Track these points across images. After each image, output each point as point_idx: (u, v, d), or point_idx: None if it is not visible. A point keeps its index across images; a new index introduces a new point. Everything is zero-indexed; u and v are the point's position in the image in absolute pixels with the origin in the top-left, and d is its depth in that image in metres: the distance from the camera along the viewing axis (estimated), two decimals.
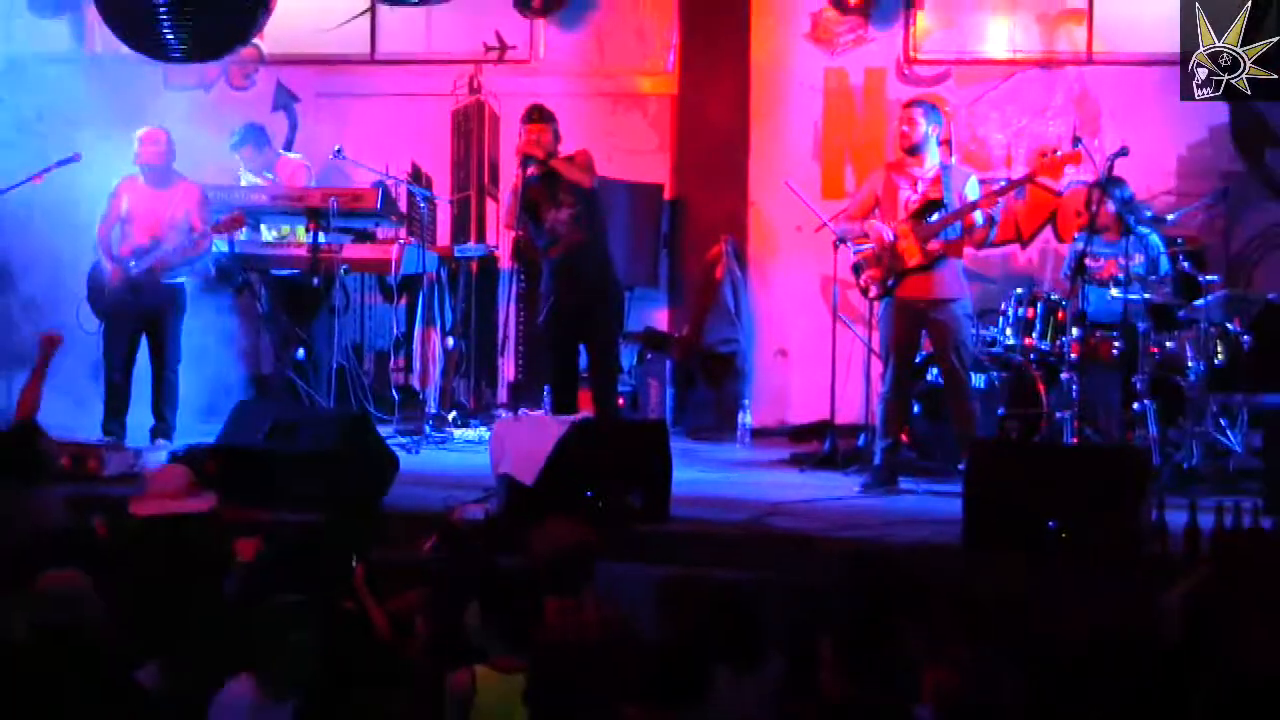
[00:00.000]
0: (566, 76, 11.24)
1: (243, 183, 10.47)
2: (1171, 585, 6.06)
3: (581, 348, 9.00)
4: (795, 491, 8.52)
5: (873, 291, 8.67)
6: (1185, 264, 9.27)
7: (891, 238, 8.51)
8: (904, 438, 8.79)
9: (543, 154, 8.68)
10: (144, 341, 9.41)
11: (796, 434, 10.45)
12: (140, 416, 9.39)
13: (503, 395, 11.06)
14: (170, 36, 8.08)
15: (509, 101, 10.90)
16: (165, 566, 5.83)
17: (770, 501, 8.10)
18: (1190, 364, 8.79)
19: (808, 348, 10.61)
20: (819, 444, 9.75)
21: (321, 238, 9.88)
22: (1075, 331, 8.70)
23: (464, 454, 9.57)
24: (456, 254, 10.86)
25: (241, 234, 10.00)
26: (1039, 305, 9.16)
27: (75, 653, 4.86)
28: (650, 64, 11.29)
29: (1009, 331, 9.25)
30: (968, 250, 8.74)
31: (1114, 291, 8.87)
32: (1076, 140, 9.57)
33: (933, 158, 8.65)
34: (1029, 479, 6.95)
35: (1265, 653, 5.23)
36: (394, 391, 10.38)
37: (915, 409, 8.97)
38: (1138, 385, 8.66)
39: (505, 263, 10.75)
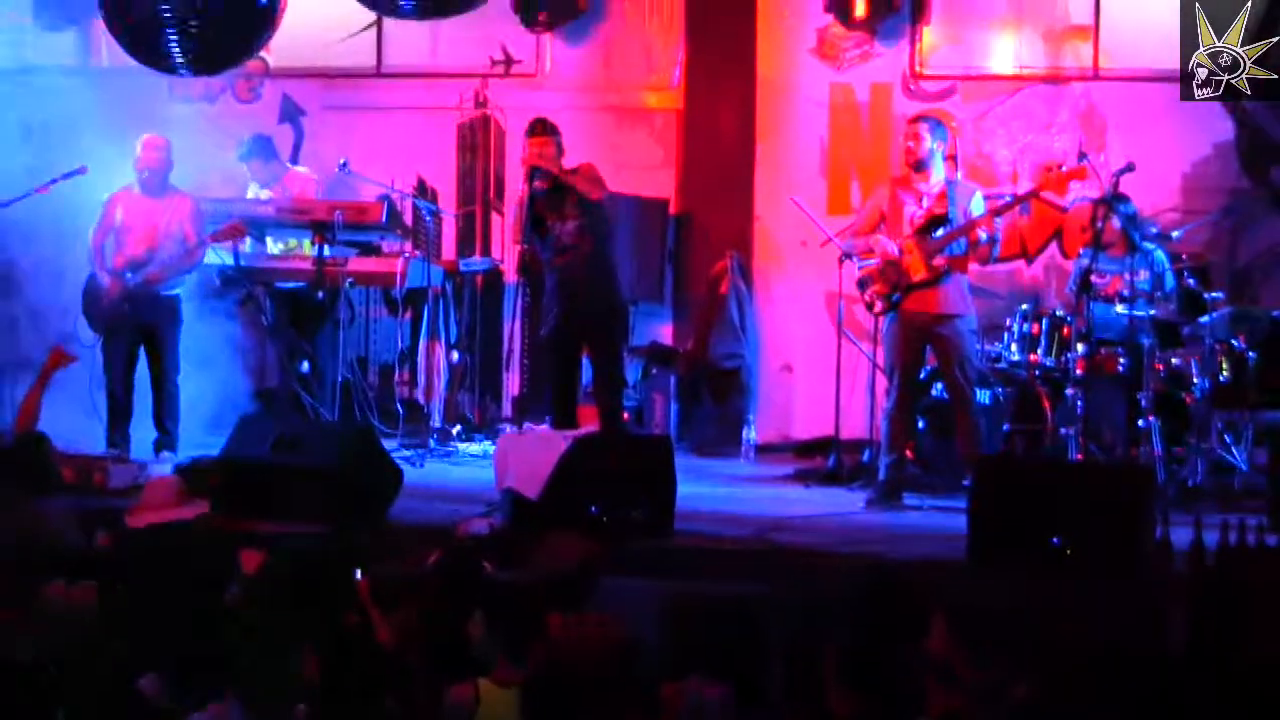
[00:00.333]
0: (572, 91, 11.24)
1: (250, 195, 10.48)
2: (1176, 602, 6.05)
3: (586, 362, 9.00)
4: (800, 507, 8.52)
5: (878, 307, 8.66)
6: (1190, 280, 9.26)
7: (897, 253, 8.51)
8: (909, 453, 8.78)
9: (552, 167, 8.68)
10: (143, 353, 9.39)
11: (801, 449, 10.44)
12: (145, 429, 9.38)
13: (507, 409, 11.03)
14: (176, 49, 8.12)
15: (515, 116, 10.87)
16: (165, 577, 5.82)
17: (774, 517, 8.11)
18: (1195, 380, 8.78)
19: (813, 363, 10.61)
20: (824, 459, 9.74)
21: (327, 251, 9.88)
22: (1080, 347, 8.69)
23: (468, 468, 9.57)
24: (461, 268, 10.85)
25: (246, 246, 9.99)
26: (1044, 321, 9.16)
27: (77, 665, 4.85)
28: (656, 79, 11.28)
29: (1014, 347, 9.24)
30: (973, 266, 8.74)
31: (1119, 307, 8.87)
32: (1082, 156, 9.60)
33: (938, 173, 8.64)
34: (1033, 495, 6.94)
35: (1271, 670, 5.22)
36: (398, 405, 10.35)
37: (920, 424, 8.96)
38: (1143, 401, 8.63)
39: (510, 277, 10.76)
